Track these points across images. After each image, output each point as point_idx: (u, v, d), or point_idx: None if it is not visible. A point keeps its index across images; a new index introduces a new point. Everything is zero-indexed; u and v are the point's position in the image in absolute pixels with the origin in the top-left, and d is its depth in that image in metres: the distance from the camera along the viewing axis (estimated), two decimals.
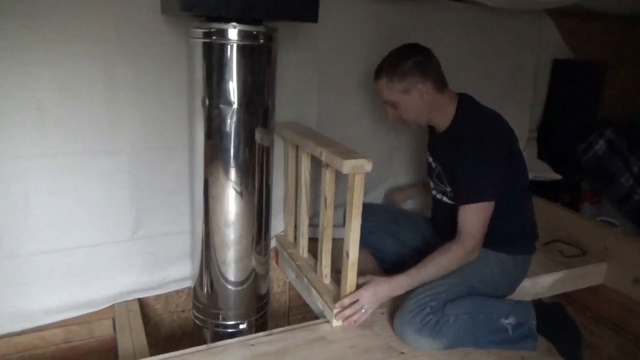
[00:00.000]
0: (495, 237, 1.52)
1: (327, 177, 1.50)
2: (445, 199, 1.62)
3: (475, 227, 1.46)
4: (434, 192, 1.70)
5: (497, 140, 1.48)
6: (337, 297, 1.52)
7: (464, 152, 1.46)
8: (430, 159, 1.67)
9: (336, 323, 1.46)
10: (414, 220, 1.91)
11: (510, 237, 1.57)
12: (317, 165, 1.59)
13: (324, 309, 1.53)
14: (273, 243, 1.90)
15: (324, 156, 1.44)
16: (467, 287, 1.48)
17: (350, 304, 1.44)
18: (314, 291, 1.59)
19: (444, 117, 1.55)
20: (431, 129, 1.67)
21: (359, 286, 1.47)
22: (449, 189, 1.58)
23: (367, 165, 1.37)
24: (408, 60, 1.48)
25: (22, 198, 1.48)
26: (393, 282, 1.45)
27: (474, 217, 1.46)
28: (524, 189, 1.62)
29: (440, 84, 1.53)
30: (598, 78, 2.38)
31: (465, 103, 1.55)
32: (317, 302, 1.59)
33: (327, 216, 1.54)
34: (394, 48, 1.54)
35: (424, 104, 1.52)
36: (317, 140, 1.53)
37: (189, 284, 1.79)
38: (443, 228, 1.56)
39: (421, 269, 1.45)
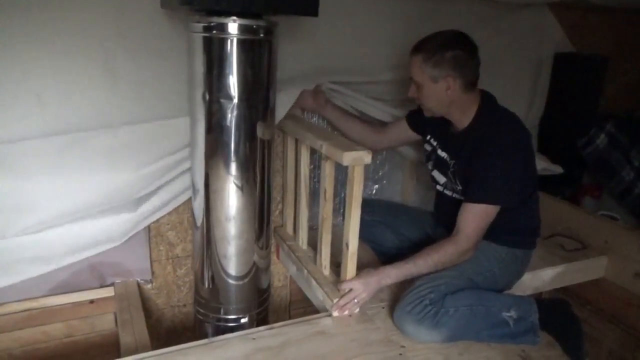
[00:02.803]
0: (498, 230, 1.52)
1: (327, 170, 1.51)
2: (455, 195, 1.61)
3: (473, 229, 1.46)
4: (439, 188, 1.68)
5: (518, 146, 1.48)
6: (337, 289, 1.53)
7: (485, 154, 1.45)
8: (445, 155, 1.63)
9: (336, 313, 1.49)
10: (415, 214, 1.92)
11: (512, 231, 1.57)
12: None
13: (324, 300, 1.54)
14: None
15: (324, 149, 1.45)
16: (466, 280, 1.49)
17: (343, 295, 1.47)
18: (313, 282, 1.61)
19: (463, 115, 1.54)
20: (443, 124, 1.63)
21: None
22: (459, 187, 1.57)
23: (367, 157, 1.37)
24: (449, 51, 1.43)
25: (25, 180, 1.48)
26: (381, 273, 1.47)
27: (475, 217, 1.46)
28: (534, 187, 1.62)
29: (471, 84, 1.49)
30: (599, 72, 2.37)
31: (487, 104, 1.53)
32: (317, 293, 1.60)
33: (327, 208, 1.55)
34: (441, 30, 1.49)
35: (447, 98, 1.49)
36: (316, 133, 1.54)
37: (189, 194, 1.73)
38: (448, 222, 1.56)
39: (410, 262, 1.47)
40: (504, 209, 1.48)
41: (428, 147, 1.72)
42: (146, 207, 1.69)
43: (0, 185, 1.45)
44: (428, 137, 1.71)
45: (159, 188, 1.68)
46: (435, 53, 1.44)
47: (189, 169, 1.63)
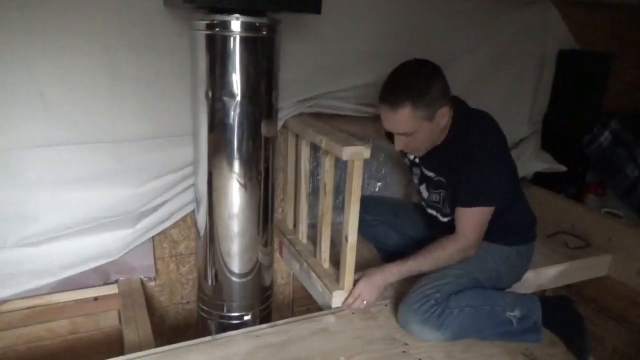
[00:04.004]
0: (499, 232, 1.53)
1: (327, 164, 1.52)
2: (439, 215, 1.61)
3: (471, 230, 1.46)
4: (423, 203, 1.69)
5: (498, 144, 1.48)
6: (336, 281, 1.56)
7: (468, 159, 1.44)
8: (430, 173, 1.59)
9: (335, 303, 1.51)
10: (417, 212, 1.91)
11: (509, 230, 1.57)
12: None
13: (324, 292, 1.55)
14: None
15: (324, 143, 1.47)
16: (471, 280, 1.49)
17: (354, 301, 1.48)
18: (313, 275, 1.63)
19: (443, 130, 1.49)
20: None
21: (355, 282, 1.51)
22: (445, 205, 1.56)
23: (366, 152, 1.38)
24: (433, 85, 1.37)
25: (27, 189, 1.48)
26: (385, 271, 1.49)
27: (471, 220, 1.46)
28: (518, 183, 1.62)
29: (450, 99, 1.45)
30: (603, 69, 2.36)
31: (460, 109, 1.49)
32: (316, 285, 1.62)
33: (327, 202, 1.56)
34: (398, 68, 1.42)
35: (441, 127, 1.45)
36: (317, 129, 1.55)
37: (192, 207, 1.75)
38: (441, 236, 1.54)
39: (413, 259, 1.48)
40: (496, 211, 1.47)
41: (407, 161, 1.71)
42: (146, 222, 1.70)
43: (3, 193, 1.46)
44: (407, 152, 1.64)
45: (160, 204, 1.69)
46: (424, 95, 1.36)
47: (192, 186, 1.65)
